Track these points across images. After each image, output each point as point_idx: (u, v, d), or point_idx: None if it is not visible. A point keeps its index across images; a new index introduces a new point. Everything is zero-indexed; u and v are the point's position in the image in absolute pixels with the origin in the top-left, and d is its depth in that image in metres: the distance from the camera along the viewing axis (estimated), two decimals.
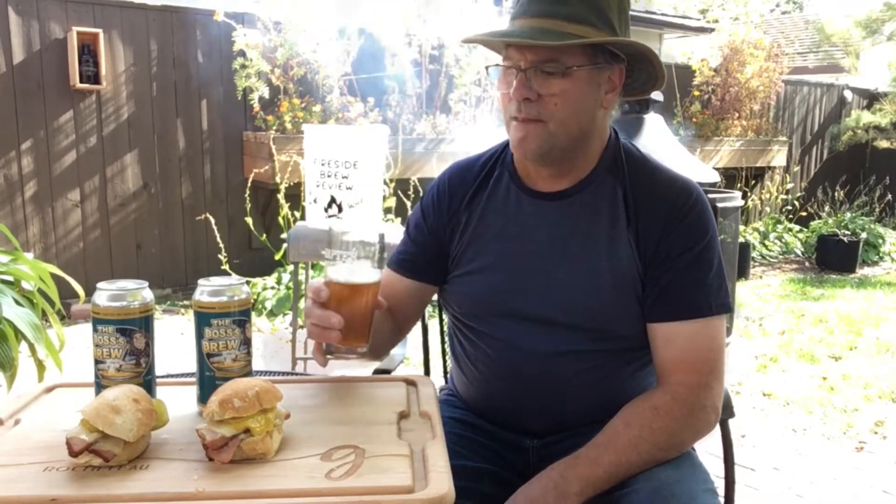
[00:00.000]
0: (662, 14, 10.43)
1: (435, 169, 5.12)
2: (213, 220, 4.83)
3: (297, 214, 4.69)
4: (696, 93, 7.40)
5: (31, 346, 2.06)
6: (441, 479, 0.83)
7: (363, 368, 3.03)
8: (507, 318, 1.25)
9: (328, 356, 1.12)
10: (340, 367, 3.65)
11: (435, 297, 1.41)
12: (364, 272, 1.08)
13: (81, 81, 4.60)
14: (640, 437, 1.11)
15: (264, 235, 5.10)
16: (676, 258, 1.18)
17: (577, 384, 1.23)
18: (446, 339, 1.47)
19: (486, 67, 1.26)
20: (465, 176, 1.35)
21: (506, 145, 1.34)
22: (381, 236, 1.08)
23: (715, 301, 1.18)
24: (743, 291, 5.78)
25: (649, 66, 1.22)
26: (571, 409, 1.26)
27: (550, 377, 1.23)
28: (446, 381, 1.54)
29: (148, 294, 0.99)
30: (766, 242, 7.59)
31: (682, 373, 1.16)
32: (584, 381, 1.23)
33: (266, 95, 5.03)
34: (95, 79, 4.66)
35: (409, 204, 4.99)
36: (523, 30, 1.15)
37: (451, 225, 1.32)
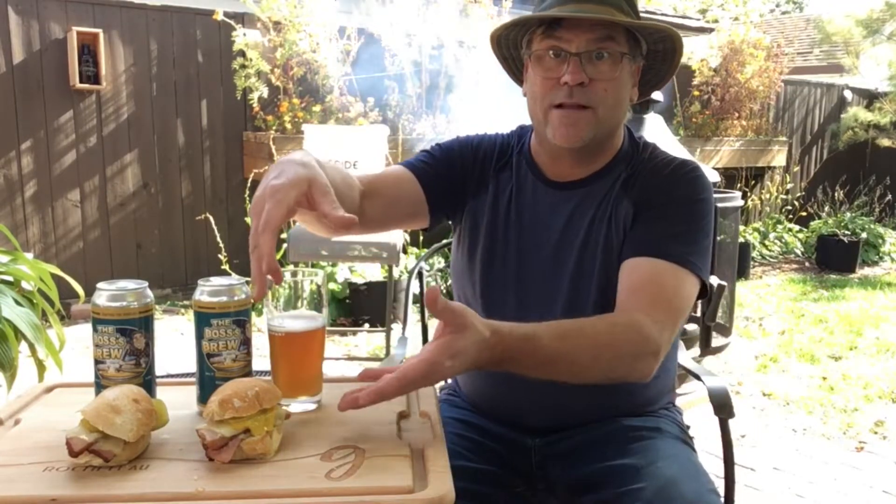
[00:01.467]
0: (662, 14, 10.43)
1: None
2: (213, 220, 4.83)
3: None
4: (696, 93, 7.40)
5: (31, 346, 2.06)
6: (441, 480, 0.83)
7: (363, 368, 3.02)
8: (513, 310, 1.25)
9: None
10: (340, 367, 3.66)
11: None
12: (311, 318, 1.04)
13: (81, 81, 4.60)
14: (589, 344, 1.04)
15: None
16: (660, 206, 1.19)
17: (573, 387, 1.22)
18: None
19: (528, 55, 1.21)
20: (492, 148, 1.35)
21: (522, 134, 1.35)
22: (323, 279, 1.06)
23: (688, 255, 1.15)
24: (743, 291, 5.78)
25: (658, 68, 1.27)
26: (574, 406, 1.25)
27: (547, 380, 1.22)
28: (446, 381, 1.54)
29: (148, 294, 0.99)
30: (766, 242, 7.59)
31: (643, 305, 1.10)
32: (580, 384, 1.23)
33: (266, 95, 5.03)
34: (95, 79, 4.66)
35: None
36: (578, 11, 1.15)
37: (477, 182, 1.31)
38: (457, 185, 1.32)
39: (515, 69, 1.33)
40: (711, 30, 9.25)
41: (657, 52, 1.25)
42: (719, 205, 3.43)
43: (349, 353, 4.07)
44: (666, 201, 1.20)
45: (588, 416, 1.26)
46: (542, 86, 1.19)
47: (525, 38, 1.24)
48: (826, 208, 7.91)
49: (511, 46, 1.30)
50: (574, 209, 1.26)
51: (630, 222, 1.21)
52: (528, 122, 1.33)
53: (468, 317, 0.92)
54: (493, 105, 5.54)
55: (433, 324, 1.46)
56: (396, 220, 1.34)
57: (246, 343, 1.03)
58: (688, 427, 1.36)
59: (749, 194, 7.90)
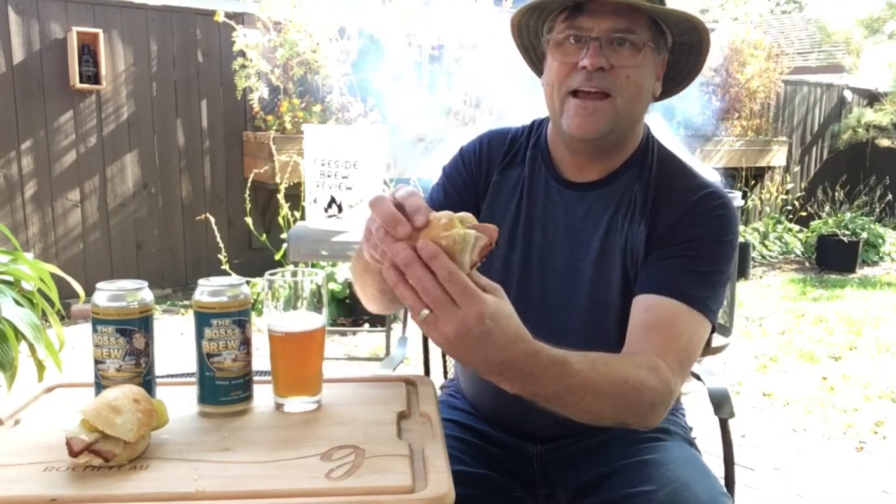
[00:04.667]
0: None
1: (435, 169, 5.11)
2: (213, 220, 4.83)
3: (297, 214, 4.69)
4: (696, 93, 7.40)
5: (31, 346, 2.05)
6: (441, 480, 0.83)
7: (363, 368, 3.03)
8: (519, 311, 1.22)
9: None
10: (340, 368, 3.66)
11: None
12: (309, 319, 1.04)
13: (81, 81, 4.60)
14: (617, 381, 0.97)
15: (264, 235, 5.10)
16: (683, 243, 1.14)
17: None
18: None
19: (547, 40, 1.18)
20: (501, 143, 1.32)
21: (539, 126, 1.32)
22: (323, 279, 1.06)
23: (707, 301, 1.11)
24: (743, 291, 5.77)
25: (685, 62, 1.22)
26: (567, 418, 1.23)
27: None
28: (446, 379, 1.53)
29: (148, 294, 0.99)
30: (766, 242, 7.58)
31: (657, 347, 1.05)
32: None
33: (266, 95, 5.03)
34: (95, 79, 4.66)
35: None
36: None
37: (486, 184, 1.29)
38: (472, 200, 1.29)
39: (536, 59, 1.29)
40: (711, 30, 9.24)
41: (683, 44, 1.20)
42: None
43: (349, 353, 4.07)
44: (690, 238, 1.14)
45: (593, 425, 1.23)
46: (559, 71, 1.15)
47: (546, 24, 1.21)
48: (826, 208, 7.91)
49: (532, 35, 1.26)
50: (588, 213, 1.21)
51: (644, 243, 1.16)
52: (538, 116, 1.30)
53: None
54: (492, 104, 5.54)
55: None
56: None
57: (246, 343, 1.03)
58: (691, 428, 1.36)
59: (749, 194, 7.90)
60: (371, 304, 1.21)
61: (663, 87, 1.24)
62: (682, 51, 1.21)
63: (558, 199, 1.24)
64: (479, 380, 1.32)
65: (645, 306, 1.11)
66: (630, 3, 1.10)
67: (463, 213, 0.83)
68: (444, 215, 0.81)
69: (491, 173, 1.30)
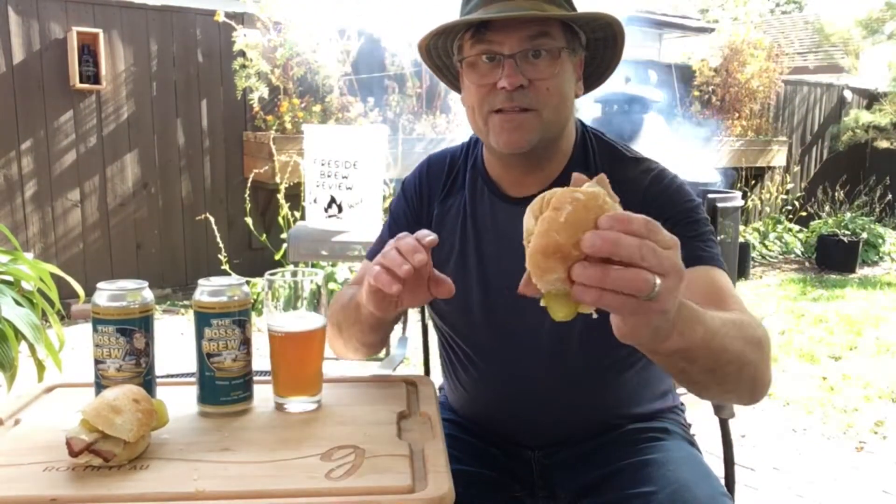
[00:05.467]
0: (662, 14, 10.43)
1: None
2: (213, 220, 4.83)
3: (297, 214, 4.69)
4: (697, 93, 7.40)
5: (31, 346, 2.05)
6: (441, 479, 0.83)
7: (363, 368, 3.02)
8: (493, 334, 1.21)
9: None
10: (340, 368, 3.65)
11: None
12: (309, 319, 1.04)
13: (81, 81, 4.60)
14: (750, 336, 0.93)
15: (264, 235, 5.10)
16: (665, 221, 1.12)
17: (571, 399, 1.21)
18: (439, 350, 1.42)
19: (459, 60, 1.14)
20: (441, 170, 1.29)
21: (475, 145, 1.29)
22: (323, 279, 1.06)
23: (717, 255, 1.10)
24: (743, 291, 5.78)
25: (602, 56, 1.20)
26: (569, 425, 1.23)
27: (542, 394, 1.20)
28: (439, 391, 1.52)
29: (148, 294, 0.99)
30: (766, 242, 7.59)
31: (731, 305, 1.00)
32: (576, 396, 1.20)
33: (266, 95, 5.03)
34: (95, 79, 4.66)
35: None
36: (505, 10, 1.07)
37: (429, 217, 1.28)
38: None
39: (452, 77, 1.24)
40: (712, 30, 9.24)
41: (598, 40, 1.17)
42: (719, 205, 3.43)
43: None
44: (668, 217, 1.10)
45: (586, 432, 1.23)
46: (478, 93, 1.11)
47: (455, 44, 1.16)
48: (826, 208, 7.92)
49: (442, 55, 1.21)
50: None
51: None
52: None
53: None
54: None
55: (433, 324, 1.44)
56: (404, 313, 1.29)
57: (246, 343, 1.03)
58: (689, 424, 1.36)
59: (749, 194, 7.91)
60: (350, 354, 1.21)
61: (585, 84, 1.22)
62: (598, 45, 1.18)
63: (505, 216, 1.20)
64: (465, 399, 1.30)
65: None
66: (536, 15, 1.06)
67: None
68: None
69: (433, 205, 1.27)
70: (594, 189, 0.70)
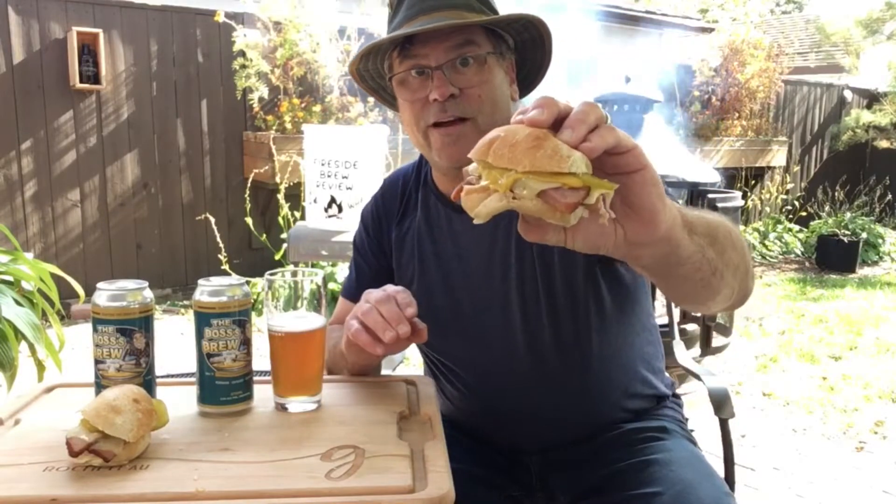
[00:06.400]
0: (662, 14, 10.43)
1: None
2: (213, 220, 4.83)
3: (297, 214, 4.69)
4: (696, 93, 7.40)
5: (31, 346, 2.06)
6: (441, 479, 0.83)
7: None
8: (467, 341, 1.22)
9: None
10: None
11: None
12: (309, 319, 1.04)
13: (81, 81, 4.60)
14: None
15: (264, 235, 5.10)
16: None
17: (556, 399, 1.20)
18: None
19: (389, 78, 1.15)
20: (394, 194, 1.31)
21: (420, 164, 1.30)
22: (323, 279, 1.06)
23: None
24: None
25: (532, 57, 1.20)
26: (561, 425, 1.23)
27: (527, 397, 1.20)
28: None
29: (148, 294, 0.99)
30: (766, 242, 7.59)
31: None
32: (562, 395, 1.20)
33: (266, 95, 5.03)
34: (95, 79, 4.66)
35: None
36: (427, 23, 1.07)
37: (389, 243, 1.29)
38: (385, 265, 1.29)
39: (390, 98, 1.24)
40: (711, 30, 9.25)
41: (525, 41, 1.17)
42: (719, 205, 3.43)
43: None
44: None
45: (581, 433, 1.22)
46: (412, 109, 1.12)
47: (385, 63, 1.17)
48: (826, 208, 7.92)
49: (375, 76, 1.22)
50: (494, 230, 1.17)
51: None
52: None
53: None
54: None
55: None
56: None
57: (246, 343, 1.03)
58: (686, 419, 1.35)
59: (749, 194, 7.90)
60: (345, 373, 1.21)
61: (520, 86, 1.22)
62: (527, 46, 1.19)
63: (460, 228, 1.21)
64: (453, 410, 1.30)
65: None
66: (456, 24, 1.07)
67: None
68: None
69: (391, 229, 1.29)
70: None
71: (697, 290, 0.87)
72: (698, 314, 3.48)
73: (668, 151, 3.48)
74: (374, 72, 1.21)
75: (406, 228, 1.27)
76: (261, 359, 1.10)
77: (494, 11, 1.13)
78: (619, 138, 0.68)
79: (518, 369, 1.19)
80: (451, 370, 1.27)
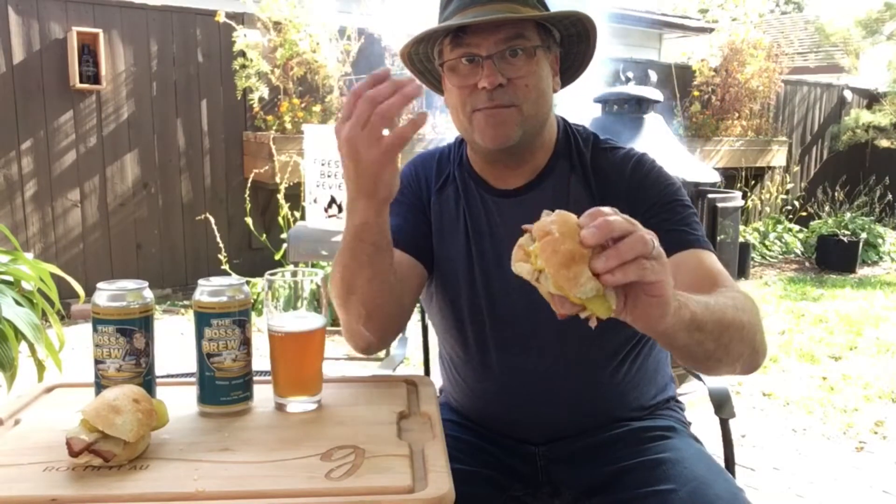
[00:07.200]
0: (662, 14, 10.43)
1: None
2: (213, 220, 4.83)
3: (297, 214, 4.69)
4: (696, 93, 7.40)
5: (31, 346, 2.06)
6: (441, 479, 0.83)
7: (363, 368, 3.02)
8: (491, 329, 1.23)
9: None
10: (340, 368, 3.65)
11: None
12: (309, 319, 1.04)
13: (81, 81, 4.60)
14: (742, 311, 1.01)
15: (264, 235, 5.10)
16: (651, 208, 1.17)
17: (572, 389, 1.22)
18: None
19: (440, 64, 1.19)
20: (431, 166, 1.32)
21: (459, 145, 1.32)
22: (323, 279, 1.06)
23: (703, 236, 1.16)
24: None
25: (576, 51, 1.24)
26: (572, 417, 1.23)
27: (543, 384, 1.22)
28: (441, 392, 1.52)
29: (148, 294, 0.99)
30: (766, 242, 7.59)
31: (723, 283, 1.08)
32: (578, 387, 1.21)
33: (266, 95, 5.03)
34: (95, 79, 4.66)
35: None
36: (480, 14, 1.12)
37: (427, 206, 1.30)
38: (424, 220, 1.28)
39: (435, 81, 1.29)
40: (711, 30, 9.25)
41: (571, 35, 1.22)
42: (719, 205, 3.43)
43: (349, 353, 4.06)
44: (653, 203, 1.17)
45: (590, 425, 1.23)
46: (460, 94, 1.17)
47: (435, 49, 1.21)
48: (826, 208, 7.92)
49: (424, 60, 1.26)
50: (528, 217, 1.19)
51: None
52: None
53: None
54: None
55: (429, 315, 1.45)
56: (415, 292, 1.26)
57: (246, 343, 1.03)
58: (689, 423, 1.36)
59: (749, 194, 7.90)
60: (353, 324, 1.18)
61: (561, 78, 1.27)
62: (572, 41, 1.23)
63: (495, 209, 1.25)
64: (465, 395, 1.31)
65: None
66: (510, 18, 1.11)
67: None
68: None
69: (430, 195, 1.30)
70: (551, 215, 0.79)
71: (687, 362, 1.00)
72: None
73: (667, 151, 3.48)
74: (424, 56, 1.25)
75: (446, 197, 1.29)
76: (261, 359, 1.10)
77: (546, 7, 1.19)
78: (645, 275, 0.75)
79: (539, 353, 1.21)
80: (469, 348, 1.27)
